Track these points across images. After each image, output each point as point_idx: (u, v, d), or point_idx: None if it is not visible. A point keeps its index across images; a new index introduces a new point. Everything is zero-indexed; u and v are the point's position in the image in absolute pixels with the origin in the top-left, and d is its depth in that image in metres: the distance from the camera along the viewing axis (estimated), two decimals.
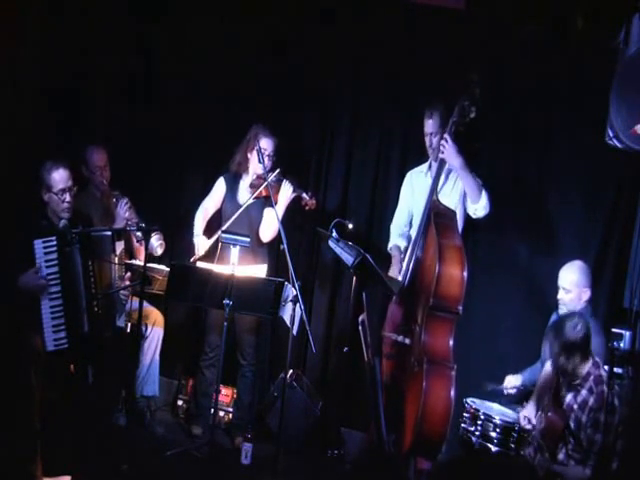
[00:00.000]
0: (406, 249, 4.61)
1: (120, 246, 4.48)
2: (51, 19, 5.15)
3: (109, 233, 4.29)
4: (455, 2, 4.81)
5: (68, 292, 4.05)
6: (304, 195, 4.78)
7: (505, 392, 4.34)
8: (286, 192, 4.73)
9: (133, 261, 4.66)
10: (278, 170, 4.76)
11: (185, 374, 5.31)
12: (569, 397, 3.87)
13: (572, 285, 4.25)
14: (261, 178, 4.79)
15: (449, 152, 4.35)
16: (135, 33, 5.35)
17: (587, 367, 3.81)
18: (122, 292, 4.35)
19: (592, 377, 3.81)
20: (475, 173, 4.53)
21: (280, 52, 5.21)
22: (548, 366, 4.13)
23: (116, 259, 4.33)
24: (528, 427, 4.00)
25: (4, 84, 4.91)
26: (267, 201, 4.83)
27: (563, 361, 3.79)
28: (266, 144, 4.76)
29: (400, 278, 4.47)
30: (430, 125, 4.54)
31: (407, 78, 5.05)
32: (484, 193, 4.41)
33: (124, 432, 4.39)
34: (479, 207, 4.42)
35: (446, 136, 4.37)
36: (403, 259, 4.57)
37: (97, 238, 4.25)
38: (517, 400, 4.36)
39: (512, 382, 4.38)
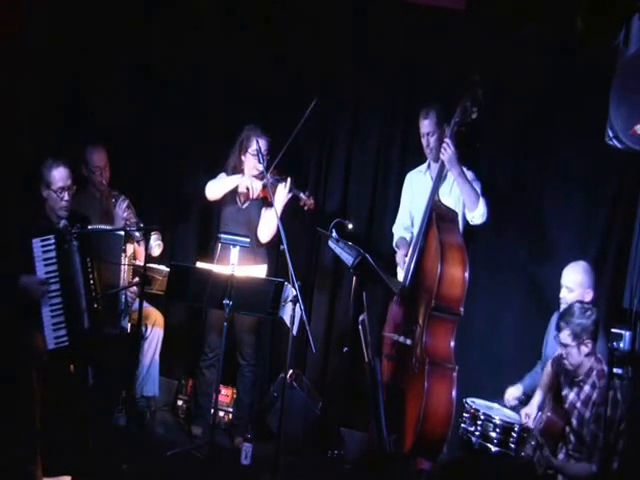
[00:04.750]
0: (412, 240, 4.60)
1: (130, 248, 4.48)
2: (51, 19, 5.15)
3: (122, 233, 4.30)
4: (455, 2, 4.81)
5: (67, 290, 4.05)
6: (301, 195, 4.77)
7: (508, 406, 4.32)
8: (281, 193, 4.71)
9: (133, 261, 4.66)
10: (272, 170, 4.74)
11: (185, 374, 5.31)
12: (572, 395, 3.87)
13: (575, 284, 4.24)
14: (258, 179, 4.78)
15: (449, 158, 4.33)
16: (135, 33, 5.34)
17: (590, 362, 3.82)
18: (129, 294, 4.35)
19: (595, 372, 3.82)
20: (475, 175, 4.54)
21: (280, 52, 5.21)
22: (548, 366, 4.13)
23: (126, 260, 4.32)
24: (528, 424, 4.00)
25: (4, 84, 4.91)
26: (265, 201, 4.82)
27: (573, 351, 3.79)
28: (260, 144, 4.73)
29: (407, 262, 4.46)
30: (426, 125, 4.53)
31: (407, 78, 5.05)
32: (482, 202, 4.40)
33: (124, 432, 4.38)
34: (476, 215, 4.42)
35: (447, 140, 4.35)
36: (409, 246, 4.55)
37: (104, 238, 4.26)
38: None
39: (513, 394, 4.35)
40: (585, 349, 3.80)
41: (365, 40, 5.11)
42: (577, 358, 3.82)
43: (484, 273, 4.76)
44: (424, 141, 4.58)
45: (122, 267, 4.28)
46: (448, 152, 4.33)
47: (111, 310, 4.26)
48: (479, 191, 4.44)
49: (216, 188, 4.82)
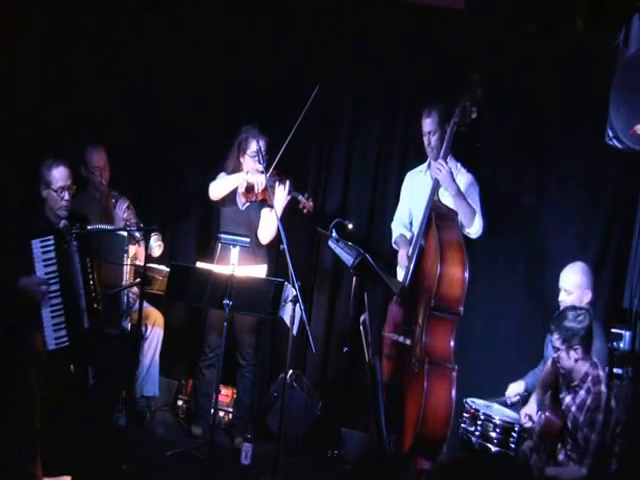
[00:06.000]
0: (411, 239, 4.60)
1: (132, 249, 4.48)
2: (52, 19, 5.15)
3: (125, 234, 4.30)
4: (455, 2, 4.81)
5: (67, 290, 4.05)
6: (300, 198, 4.75)
7: (509, 402, 4.31)
8: (280, 196, 4.70)
9: (135, 262, 4.66)
10: (271, 171, 4.73)
11: (185, 374, 5.31)
12: (568, 399, 3.87)
13: (574, 286, 4.24)
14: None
15: (445, 177, 4.32)
16: (135, 32, 5.35)
17: (585, 367, 3.82)
18: (131, 295, 4.35)
19: (590, 377, 3.81)
20: (475, 178, 4.54)
21: (280, 52, 5.21)
22: (548, 364, 4.13)
23: (128, 261, 4.32)
24: (529, 425, 4.00)
25: (3, 84, 4.91)
26: (265, 203, 4.82)
27: (563, 355, 3.79)
28: (260, 144, 4.71)
29: (407, 262, 4.45)
30: (428, 124, 4.53)
31: (407, 78, 5.05)
32: (478, 219, 4.39)
33: (124, 432, 4.38)
34: (471, 231, 4.42)
35: (441, 161, 4.34)
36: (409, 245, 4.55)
37: (107, 238, 4.26)
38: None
39: (515, 390, 4.34)
40: (574, 354, 3.78)
41: (365, 40, 5.10)
42: (567, 362, 3.81)
43: (484, 273, 4.76)
44: (425, 140, 4.58)
45: (124, 268, 4.28)
46: (443, 172, 4.32)
47: (113, 310, 4.26)
48: (477, 198, 4.46)
49: (220, 188, 4.81)
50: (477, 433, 4.09)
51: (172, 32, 5.34)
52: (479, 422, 4.09)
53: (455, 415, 4.08)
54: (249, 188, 4.78)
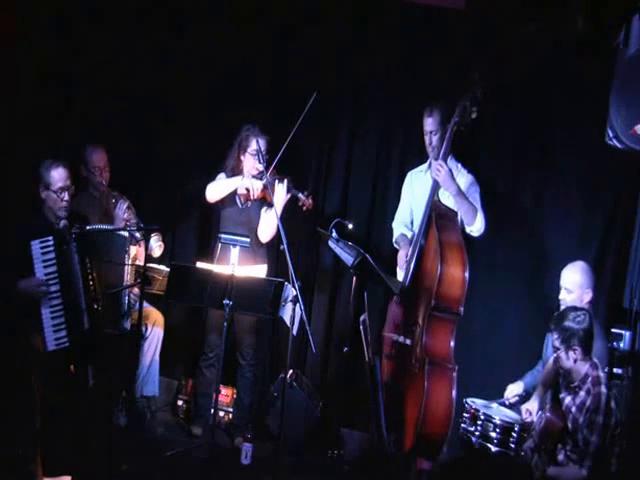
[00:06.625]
0: (412, 238, 4.60)
1: (133, 250, 4.48)
2: (50, 18, 5.15)
3: (126, 234, 4.30)
4: (455, 2, 4.81)
5: (67, 291, 4.05)
6: (300, 195, 4.76)
7: (507, 403, 4.31)
8: (280, 194, 4.70)
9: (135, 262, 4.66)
10: (270, 170, 4.73)
11: (185, 374, 5.31)
12: (568, 399, 3.87)
13: (574, 286, 4.24)
14: (257, 179, 4.77)
15: (444, 178, 4.31)
16: (134, 32, 5.34)
17: (585, 368, 3.81)
18: (132, 295, 4.35)
19: (590, 378, 3.80)
20: (475, 178, 4.54)
21: (280, 52, 5.21)
22: (550, 362, 4.13)
23: (129, 261, 4.32)
24: (529, 420, 4.00)
25: (4, 83, 4.91)
26: (265, 202, 4.82)
27: (562, 355, 3.79)
28: (260, 144, 4.72)
29: (407, 262, 4.45)
30: (430, 123, 4.53)
31: (407, 78, 5.05)
32: (480, 217, 4.39)
33: (124, 432, 4.38)
34: (474, 229, 4.42)
35: (440, 161, 4.34)
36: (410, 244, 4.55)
37: (108, 239, 4.25)
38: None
39: (514, 391, 4.34)
40: (573, 355, 3.77)
41: (365, 40, 5.10)
42: (566, 363, 3.80)
43: (484, 273, 4.76)
44: (427, 139, 4.57)
45: (125, 268, 4.28)
46: (442, 173, 4.32)
47: (113, 311, 4.26)
48: (478, 198, 4.45)
49: (216, 191, 4.81)
50: (477, 433, 4.09)
51: (172, 32, 5.34)
52: (479, 422, 4.09)
53: (455, 415, 4.08)
54: (247, 190, 4.78)
